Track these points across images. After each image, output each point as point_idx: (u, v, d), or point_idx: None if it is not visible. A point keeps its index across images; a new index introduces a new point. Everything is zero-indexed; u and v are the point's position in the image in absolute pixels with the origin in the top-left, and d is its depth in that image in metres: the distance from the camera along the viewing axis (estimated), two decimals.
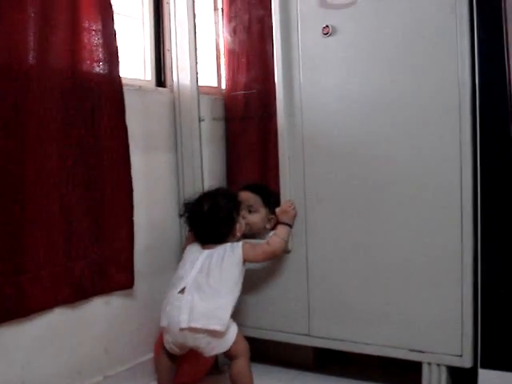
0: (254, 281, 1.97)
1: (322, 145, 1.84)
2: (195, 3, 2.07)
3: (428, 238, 1.68)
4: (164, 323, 1.72)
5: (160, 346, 1.82)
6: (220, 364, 2.04)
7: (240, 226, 1.85)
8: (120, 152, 1.84)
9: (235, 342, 1.71)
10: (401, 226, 1.72)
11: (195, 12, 2.07)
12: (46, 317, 1.65)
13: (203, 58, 2.40)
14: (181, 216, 1.90)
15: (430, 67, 1.66)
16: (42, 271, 1.61)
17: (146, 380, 1.94)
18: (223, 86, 2.48)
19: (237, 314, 1.81)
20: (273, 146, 2.05)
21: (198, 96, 2.08)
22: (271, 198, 2.04)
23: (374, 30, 1.73)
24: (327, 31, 1.79)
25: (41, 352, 1.63)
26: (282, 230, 1.87)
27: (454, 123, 1.62)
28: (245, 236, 1.91)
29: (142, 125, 1.99)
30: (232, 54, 2.45)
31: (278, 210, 1.91)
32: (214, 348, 1.70)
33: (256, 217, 2.04)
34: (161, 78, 2.17)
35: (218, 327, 1.66)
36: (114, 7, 1.79)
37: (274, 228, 1.94)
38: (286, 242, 1.87)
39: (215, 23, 2.47)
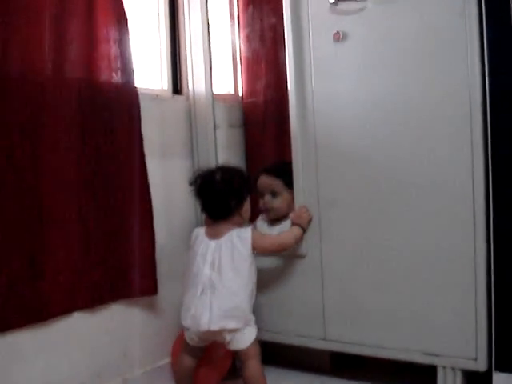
0: (269, 285, 1.98)
1: (335, 149, 1.85)
2: (209, 12, 2.11)
3: (441, 241, 1.67)
4: (186, 323, 1.75)
5: (179, 349, 1.85)
6: (237, 368, 2.05)
7: (247, 210, 1.85)
8: (137, 160, 1.88)
9: (252, 343, 1.74)
10: (414, 228, 1.72)
11: (209, 21, 2.11)
12: (66, 321, 1.69)
13: (220, 65, 2.44)
14: (191, 184, 1.86)
15: (441, 71, 1.65)
16: (61, 276, 1.65)
17: (164, 383, 1.96)
18: (240, 94, 2.51)
19: None
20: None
21: (213, 103, 2.11)
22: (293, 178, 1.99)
23: (383, 35, 1.74)
24: (338, 37, 1.80)
25: (60, 355, 1.68)
26: (295, 229, 1.88)
27: (466, 126, 1.62)
28: (271, 222, 1.91)
29: (159, 132, 2.03)
30: (249, 61, 2.48)
31: (292, 214, 1.93)
32: (237, 341, 1.73)
33: (279, 201, 2.04)
34: (177, 87, 2.21)
35: (236, 325, 1.70)
36: (129, 18, 1.83)
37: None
38: (297, 240, 1.87)
39: (231, 31, 2.50)
